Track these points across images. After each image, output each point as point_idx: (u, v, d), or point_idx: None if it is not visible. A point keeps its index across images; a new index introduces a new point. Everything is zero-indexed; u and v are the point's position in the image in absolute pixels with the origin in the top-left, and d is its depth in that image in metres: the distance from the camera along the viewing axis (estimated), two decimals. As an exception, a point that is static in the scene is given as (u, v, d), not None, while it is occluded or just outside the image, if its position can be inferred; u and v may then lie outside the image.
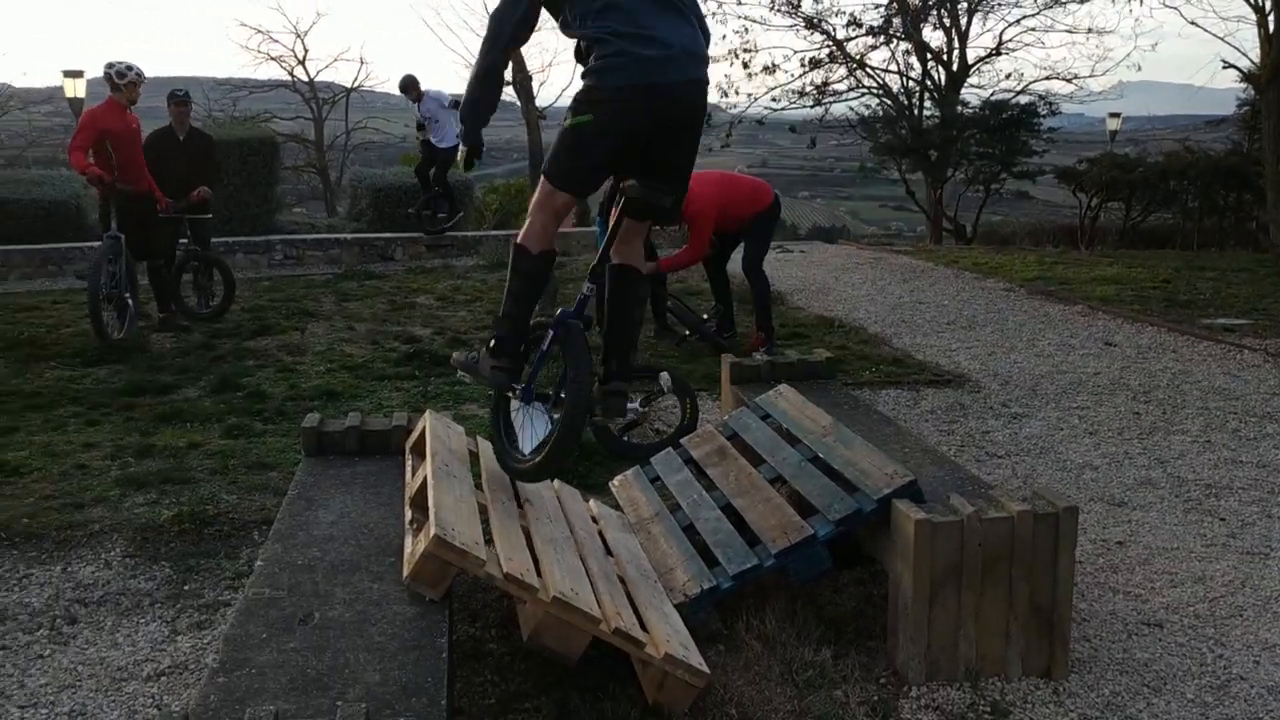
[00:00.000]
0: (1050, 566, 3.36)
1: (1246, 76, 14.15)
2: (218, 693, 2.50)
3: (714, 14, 20.10)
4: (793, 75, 21.18)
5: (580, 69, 3.42)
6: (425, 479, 3.42)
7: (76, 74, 19.23)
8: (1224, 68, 17.98)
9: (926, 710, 3.23)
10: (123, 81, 8.01)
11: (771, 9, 20.23)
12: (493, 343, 3.64)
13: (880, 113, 20.91)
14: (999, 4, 20.84)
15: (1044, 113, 19.72)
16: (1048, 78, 21.26)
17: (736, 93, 21.07)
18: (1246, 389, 7.04)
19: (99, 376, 7.01)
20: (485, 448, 4.01)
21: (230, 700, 2.47)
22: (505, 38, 3.45)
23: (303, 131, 31.83)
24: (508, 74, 3.63)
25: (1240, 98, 18.47)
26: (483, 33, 3.51)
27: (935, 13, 20.57)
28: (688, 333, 7.98)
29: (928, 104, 20.98)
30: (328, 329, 8.64)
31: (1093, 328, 8.95)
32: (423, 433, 3.86)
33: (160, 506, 4.68)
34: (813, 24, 20.44)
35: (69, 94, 19.35)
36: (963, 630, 3.35)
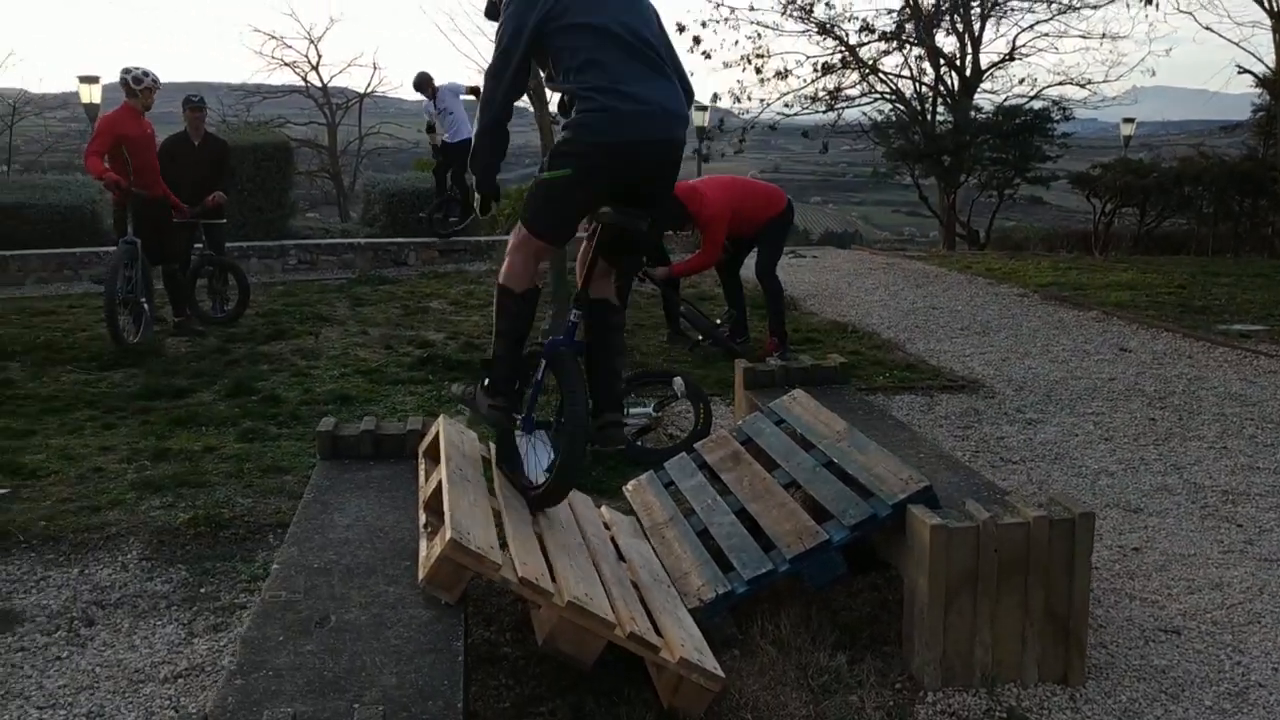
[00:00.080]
0: (1066, 572, 3.35)
1: (1261, 81, 14.12)
2: (235, 695, 2.51)
3: (726, 19, 20.14)
4: (805, 81, 21.16)
5: (562, 120, 3.49)
6: (440, 483, 3.42)
7: (92, 79, 19.38)
8: (1239, 73, 17.90)
9: (942, 716, 3.22)
10: (139, 87, 8.06)
11: (784, 14, 20.25)
12: (487, 382, 3.70)
13: (893, 118, 20.88)
14: (1012, 9, 20.80)
15: (1057, 118, 19.65)
16: (1061, 83, 21.19)
17: (749, 98, 21.11)
18: (1263, 395, 7.00)
19: (115, 380, 7.05)
20: (495, 451, 4.02)
21: (248, 702, 2.48)
22: (497, 104, 3.50)
23: (316, 137, 31.96)
24: None
25: (1255, 103, 18.41)
26: (494, 37, 3.55)
27: (948, 18, 20.55)
28: (701, 338, 7.98)
29: (941, 109, 20.95)
30: (342, 333, 8.67)
31: (1107, 333, 8.92)
32: (436, 437, 3.86)
33: (176, 509, 4.70)
34: (825, 29, 20.44)
35: (84, 99, 19.50)
36: (979, 636, 3.34)
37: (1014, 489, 4.72)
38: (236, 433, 5.87)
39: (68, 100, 28.85)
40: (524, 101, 3.78)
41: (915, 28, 20.29)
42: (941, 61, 20.69)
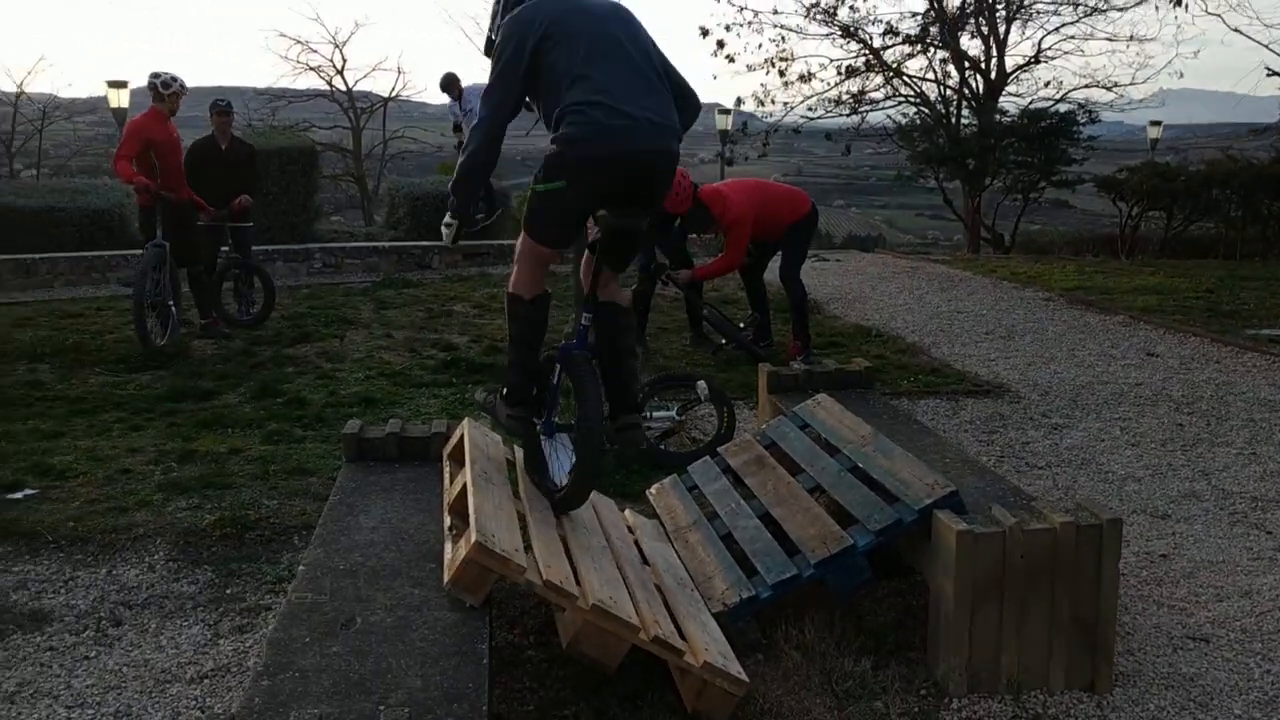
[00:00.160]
0: (1093, 579, 3.32)
1: (1291, 84, 13.95)
2: (262, 695, 2.53)
3: (750, 23, 20.11)
4: (829, 84, 21.03)
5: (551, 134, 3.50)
6: (465, 486, 3.43)
7: (120, 84, 19.55)
8: (1268, 75, 17.71)
9: (968, 723, 3.20)
10: (167, 92, 8.14)
11: (808, 18, 20.18)
12: (505, 391, 3.72)
13: (917, 121, 20.79)
14: (1038, 12, 20.65)
15: (1083, 121, 19.48)
16: (1087, 86, 20.91)
17: (773, 101, 21.01)
18: (1293, 401, 6.93)
19: (142, 382, 7.10)
20: (522, 457, 4.03)
21: (274, 703, 2.49)
22: (496, 127, 3.52)
23: (341, 141, 32.09)
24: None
25: (1284, 105, 18.20)
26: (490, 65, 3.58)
27: (973, 21, 20.43)
28: (724, 341, 7.97)
29: (965, 112, 20.83)
30: (366, 336, 8.71)
31: (1134, 338, 8.85)
32: (461, 440, 3.88)
33: (202, 511, 4.73)
34: (849, 33, 20.36)
35: (113, 104, 19.68)
36: (1004, 642, 3.32)
37: (1040, 494, 4.69)
38: (262, 435, 5.91)
39: (96, 105, 29.12)
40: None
41: (940, 31, 20.18)
42: (966, 65, 20.58)
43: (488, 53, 3.69)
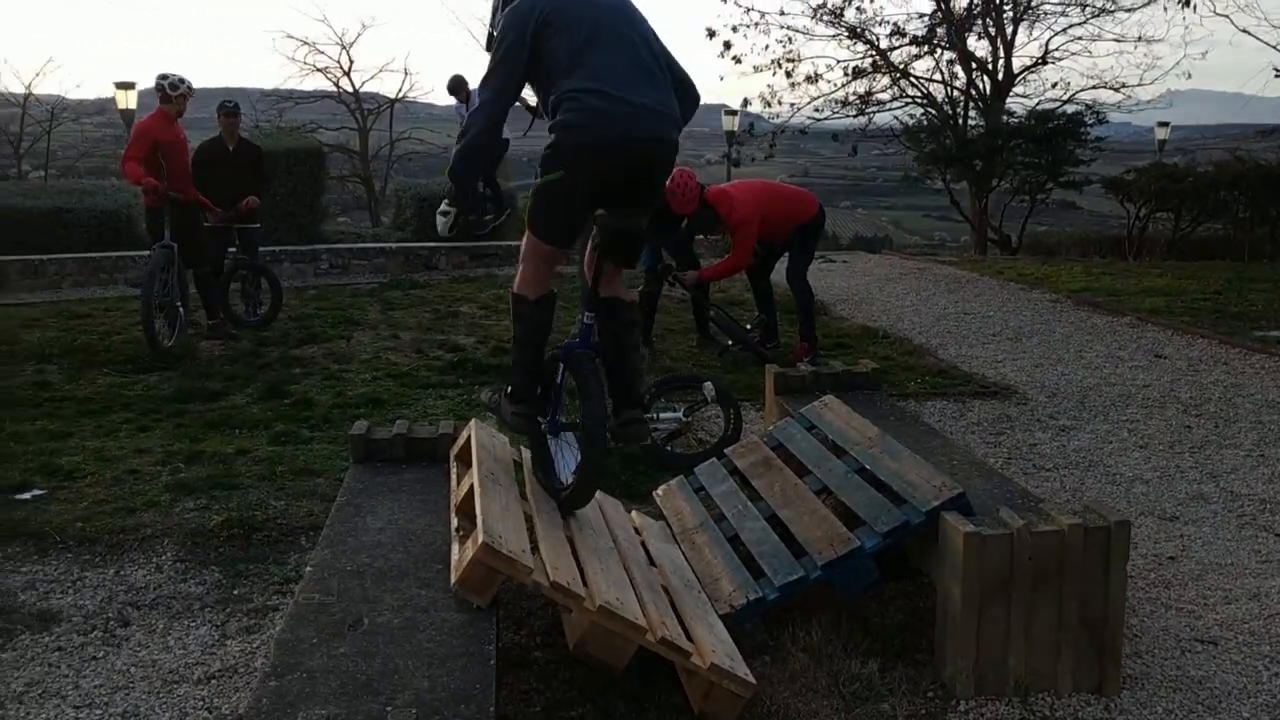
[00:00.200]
0: (1101, 581, 3.32)
1: (1299, 85, 13.91)
2: (269, 696, 2.53)
3: (756, 24, 20.08)
4: (836, 85, 20.95)
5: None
6: (471, 487, 3.44)
7: (128, 85, 19.59)
8: (1276, 76, 17.68)
9: (975, 725, 3.20)
10: (175, 94, 8.15)
11: (814, 19, 20.14)
12: (510, 390, 3.74)
13: (924, 122, 20.75)
14: (1045, 13, 20.59)
15: (1091, 122, 19.43)
16: (1095, 87, 20.82)
17: (780, 102, 20.97)
18: (1301, 402, 6.91)
19: (150, 383, 7.12)
20: (529, 457, 4.03)
21: (282, 704, 2.50)
22: (497, 111, 3.50)
23: (348, 142, 32.10)
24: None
25: (1293, 106, 18.14)
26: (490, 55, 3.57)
27: (980, 22, 20.39)
28: (730, 343, 7.96)
29: (972, 113, 20.78)
30: (373, 337, 8.72)
31: (1142, 339, 8.82)
32: (468, 441, 3.88)
33: (210, 512, 4.74)
34: (856, 34, 20.32)
35: (121, 105, 19.73)
36: (1012, 645, 3.31)
37: (1047, 496, 4.67)
38: (269, 435, 5.92)
39: (104, 106, 29.20)
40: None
41: (947, 32, 20.15)
42: (973, 65, 20.54)
43: (489, 48, 3.69)
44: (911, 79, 20.89)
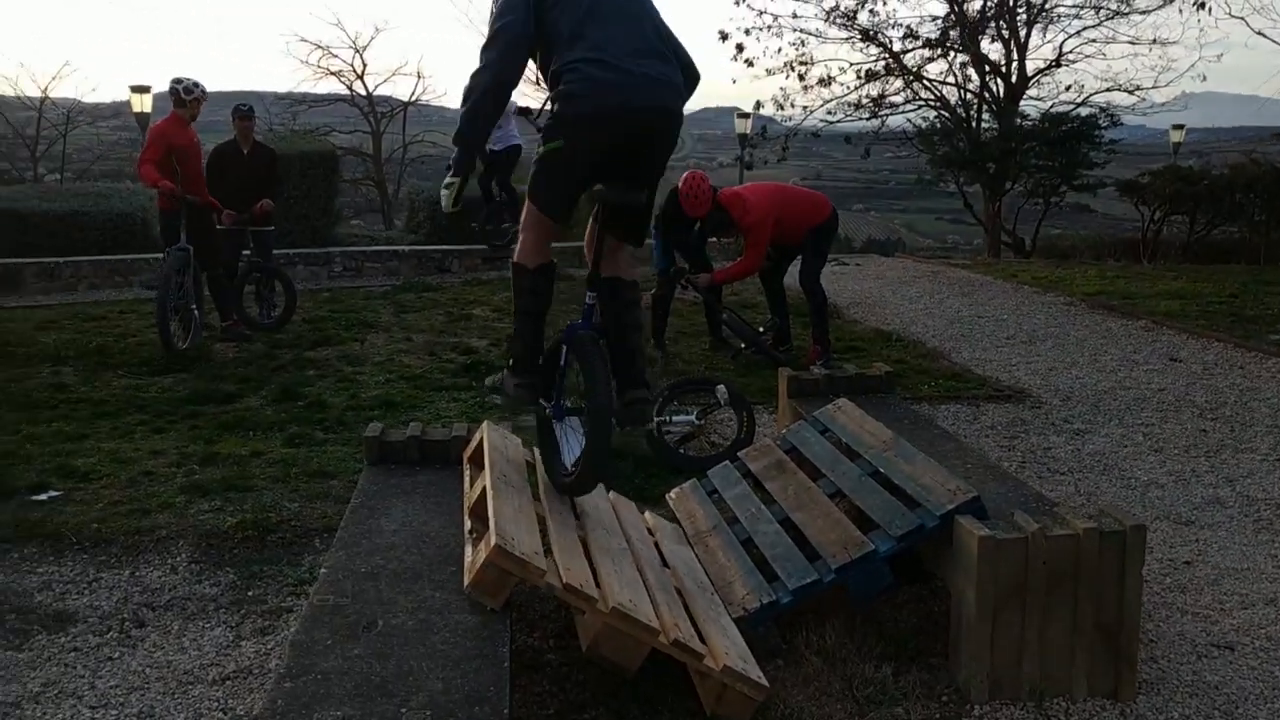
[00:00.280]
0: (1117, 586, 3.30)
1: (1316, 87, 13.82)
2: (284, 697, 2.54)
3: (769, 27, 20.08)
4: (849, 88, 20.94)
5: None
6: (484, 489, 3.44)
7: (143, 89, 19.69)
8: (1292, 78, 17.51)
9: (989, 730, 3.18)
10: (189, 98, 8.20)
11: (827, 21, 20.13)
12: (511, 362, 3.73)
13: (938, 125, 20.71)
14: (1059, 16, 20.53)
15: (1105, 125, 19.36)
16: (1109, 89, 20.75)
17: (792, 105, 20.97)
18: (1318, 407, 6.86)
19: (164, 385, 7.15)
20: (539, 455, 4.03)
21: (297, 705, 2.50)
22: (491, 72, 3.45)
23: (361, 145, 32.23)
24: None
25: (1309, 109, 18.03)
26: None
27: (993, 25, 20.35)
28: (743, 346, 7.95)
29: (986, 116, 20.74)
30: (386, 340, 8.74)
31: (1156, 343, 8.78)
32: (481, 443, 3.88)
33: (224, 513, 4.76)
34: (869, 36, 20.31)
35: (136, 108, 19.83)
36: (1026, 649, 3.30)
37: (1062, 500, 4.66)
38: (283, 437, 5.93)
39: (119, 110, 29.37)
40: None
41: (960, 34, 20.11)
42: (987, 68, 20.49)
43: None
44: (924, 82, 20.86)
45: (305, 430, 6.06)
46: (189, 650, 3.66)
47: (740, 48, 20.06)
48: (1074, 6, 20.14)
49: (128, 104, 20.56)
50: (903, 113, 21.04)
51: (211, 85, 8.63)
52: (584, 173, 3.48)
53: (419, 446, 4.21)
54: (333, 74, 31.75)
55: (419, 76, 77.52)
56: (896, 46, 20.42)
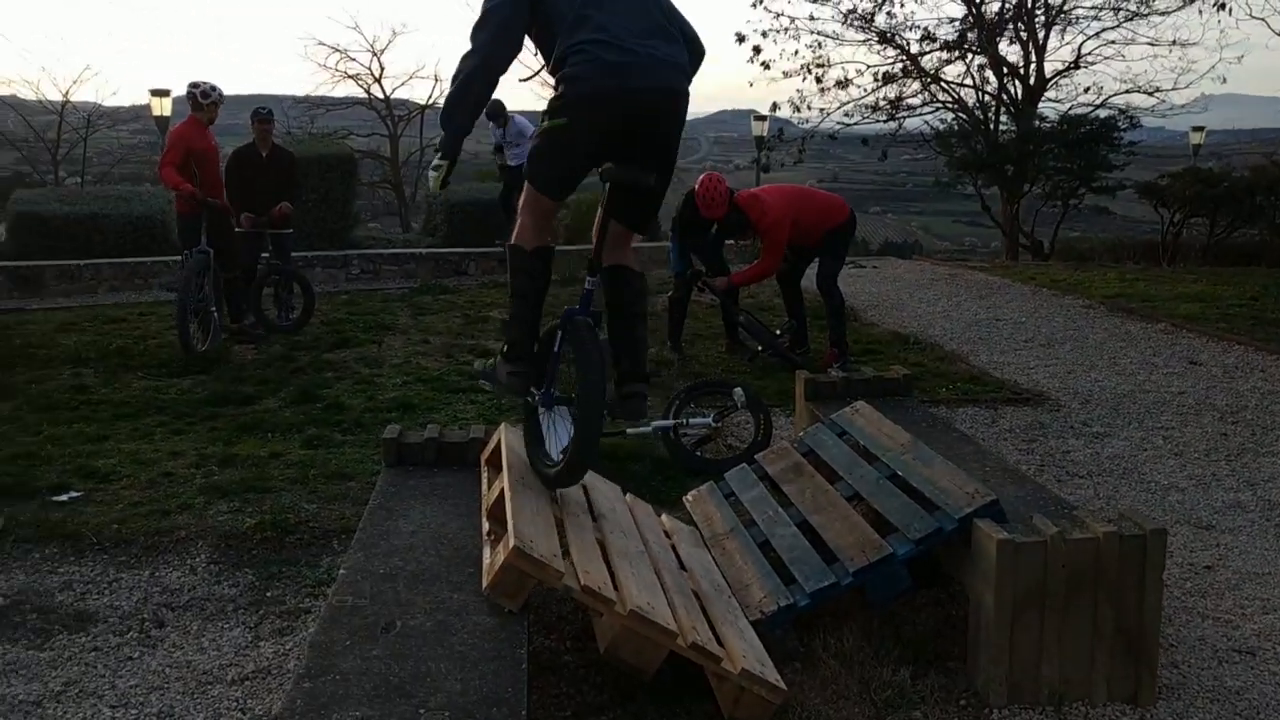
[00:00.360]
0: (1137, 590, 3.28)
1: (1337, 89, 13.70)
2: (303, 698, 2.55)
3: (786, 29, 20.07)
4: (866, 90, 20.91)
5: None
6: (502, 491, 3.45)
7: (163, 93, 19.83)
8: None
9: (1008, 734, 3.17)
10: (206, 101, 8.26)
11: (845, 24, 20.13)
12: (506, 348, 3.67)
13: (955, 127, 20.65)
14: (1078, 17, 20.44)
15: (1124, 126, 19.27)
16: (1128, 91, 20.66)
17: (809, 108, 20.95)
18: (1340, 410, 6.81)
19: (184, 387, 7.19)
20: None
21: (315, 706, 2.51)
22: (483, 51, 3.41)
23: (378, 148, 32.39)
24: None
25: (1330, 111, 17.90)
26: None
27: (1011, 26, 20.27)
28: (760, 348, 7.94)
29: (1004, 118, 20.67)
30: (404, 342, 8.77)
31: (1176, 346, 8.73)
32: (499, 445, 3.89)
33: (243, 514, 4.78)
34: (886, 39, 20.29)
35: (155, 112, 19.97)
36: (1045, 653, 3.28)
37: (1081, 504, 4.64)
38: (301, 439, 5.96)
39: (139, 113, 29.55)
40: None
41: (978, 36, 20.06)
42: (1005, 70, 20.42)
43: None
44: (942, 84, 20.84)
45: (323, 432, 6.09)
46: (208, 650, 3.68)
47: (757, 50, 20.08)
48: (1093, 8, 20.09)
49: (147, 108, 20.71)
50: (920, 115, 21.02)
51: (229, 89, 8.70)
52: (585, 152, 3.45)
53: (437, 448, 4.22)
54: (350, 77, 31.90)
55: (436, 80, 77.52)
56: (914, 49, 20.42)
